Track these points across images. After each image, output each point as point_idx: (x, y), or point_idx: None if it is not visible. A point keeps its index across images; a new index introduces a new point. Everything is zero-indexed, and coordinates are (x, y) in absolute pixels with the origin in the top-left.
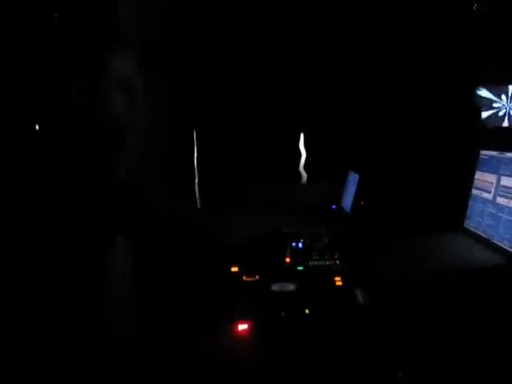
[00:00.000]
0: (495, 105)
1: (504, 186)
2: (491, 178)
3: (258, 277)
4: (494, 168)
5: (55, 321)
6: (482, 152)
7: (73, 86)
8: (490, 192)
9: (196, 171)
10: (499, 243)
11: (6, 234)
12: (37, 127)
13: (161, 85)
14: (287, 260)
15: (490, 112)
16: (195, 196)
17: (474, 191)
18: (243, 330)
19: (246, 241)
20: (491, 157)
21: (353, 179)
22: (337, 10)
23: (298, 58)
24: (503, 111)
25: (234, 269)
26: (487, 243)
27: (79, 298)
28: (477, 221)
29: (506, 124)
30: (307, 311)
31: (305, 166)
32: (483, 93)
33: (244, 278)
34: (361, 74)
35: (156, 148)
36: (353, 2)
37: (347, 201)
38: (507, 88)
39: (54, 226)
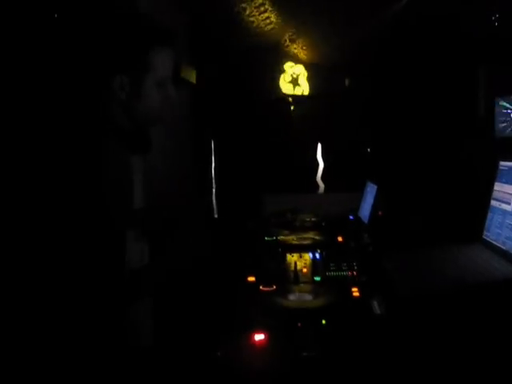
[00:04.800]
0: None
1: None
2: (510, 189)
3: (274, 287)
4: None
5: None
6: (501, 163)
7: (115, 80)
8: (509, 203)
9: (214, 181)
10: None
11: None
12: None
13: (183, 95)
14: (304, 270)
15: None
16: (212, 205)
17: (492, 202)
18: (260, 340)
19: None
20: (510, 168)
21: (371, 190)
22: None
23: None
24: None
25: (251, 278)
26: (506, 255)
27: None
28: (496, 232)
29: None
30: (324, 322)
31: (322, 176)
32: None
33: (261, 287)
34: (380, 85)
35: (180, 158)
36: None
37: (365, 211)
38: None
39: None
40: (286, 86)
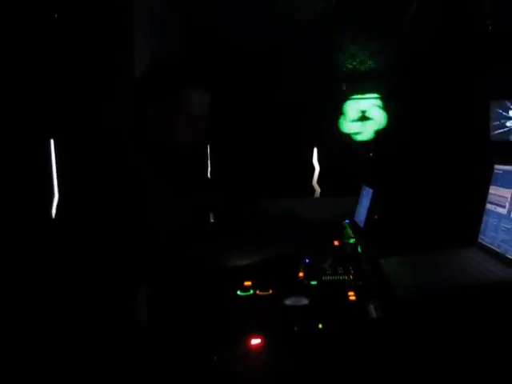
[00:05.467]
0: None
1: None
2: (506, 192)
3: (271, 291)
4: (509, 182)
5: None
6: (496, 166)
7: (153, 106)
8: (504, 207)
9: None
10: None
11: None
12: None
13: None
14: (300, 275)
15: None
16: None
17: (488, 206)
18: (256, 344)
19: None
20: (505, 171)
21: (366, 193)
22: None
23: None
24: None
25: (247, 283)
26: (502, 258)
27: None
28: (491, 236)
29: None
30: (320, 326)
31: (318, 180)
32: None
33: (257, 292)
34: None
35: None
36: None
37: (361, 215)
38: None
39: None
40: (349, 126)
